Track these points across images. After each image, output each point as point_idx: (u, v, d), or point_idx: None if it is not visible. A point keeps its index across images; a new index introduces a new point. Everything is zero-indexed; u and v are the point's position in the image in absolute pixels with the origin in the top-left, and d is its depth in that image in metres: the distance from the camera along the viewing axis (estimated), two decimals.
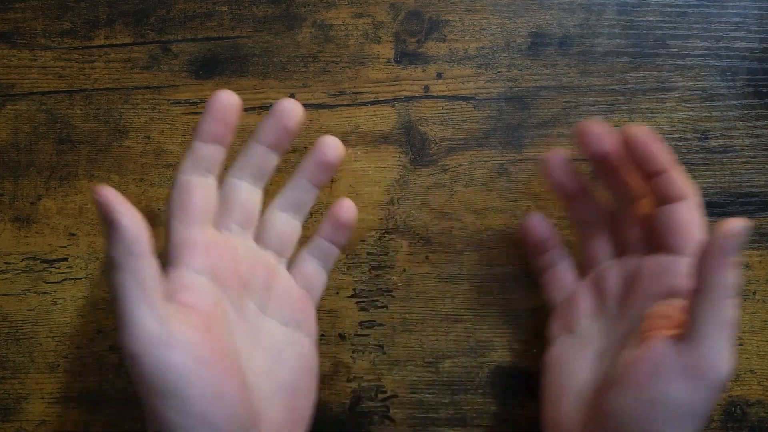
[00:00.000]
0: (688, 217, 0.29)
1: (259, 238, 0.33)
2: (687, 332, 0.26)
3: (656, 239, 0.30)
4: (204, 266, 0.29)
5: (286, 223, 0.33)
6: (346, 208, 0.34)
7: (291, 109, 0.31)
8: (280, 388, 0.30)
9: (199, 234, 0.29)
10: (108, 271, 0.26)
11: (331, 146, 0.33)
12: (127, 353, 0.25)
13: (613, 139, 0.31)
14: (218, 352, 0.26)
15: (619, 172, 0.32)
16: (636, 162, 0.30)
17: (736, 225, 0.26)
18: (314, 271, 0.34)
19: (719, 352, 0.26)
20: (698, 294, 0.26)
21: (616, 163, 0.31)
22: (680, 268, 0.29)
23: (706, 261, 0.26)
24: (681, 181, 0.29)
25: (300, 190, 0.33)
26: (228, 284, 0.29)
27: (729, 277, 0.26)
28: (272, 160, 0.32)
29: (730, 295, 0.26)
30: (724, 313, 0.26)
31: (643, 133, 0.30)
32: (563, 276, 0.34)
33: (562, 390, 0.31)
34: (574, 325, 0.32)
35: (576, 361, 0.31)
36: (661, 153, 0.29)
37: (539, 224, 0.34)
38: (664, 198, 0.30)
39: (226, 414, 0.26)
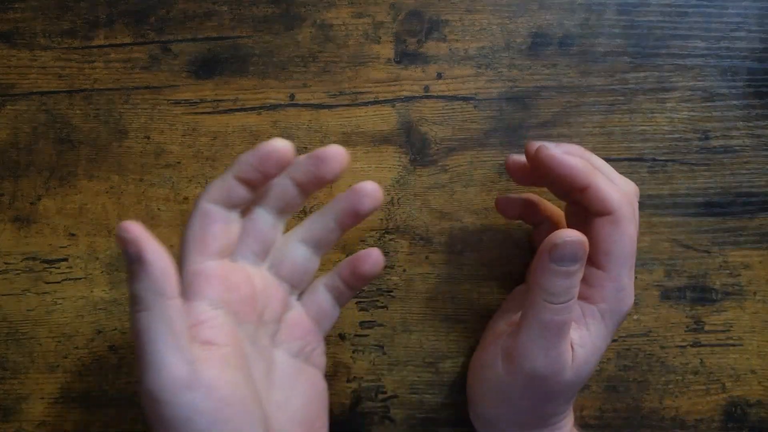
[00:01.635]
0: (607, 232, 0.29)
1: (275, 266, 0.31)
2: (518, 323, 0.30)
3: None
4: (221, 299, 0.27)
5: (305, 258, 0.31)
6: (373, 261, 0.31)
7: (334, 159, 0.28)
8: (294, 420, 0.30)
9: (217, 265, 0.28)
10: (132, 310, 0.24)
11: (370, 195, 0.30)
12: (151, 397, 0.24)
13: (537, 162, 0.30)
14: (240, 389, 0.26)
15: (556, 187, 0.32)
16: (555, 182, 0.30)
17: (562, 235, 0.27)
18: (327, 305, 0.32)
19: (531, 347, 0.28)
20: (528, 293, 0.29)
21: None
22: (596, 281, 0.29)
23: (534, 264, 0.28)
24: (601, 196, 0.29)
25: (325, 228, 0.30)
26: (243, 317, 0.28)
27: (549, 282, 0.27)
28: (301, 200, 0.30)
29: (549, 300, 0.28)
30: (541, 314, 0.28)
31: (549, 150, 0.29)
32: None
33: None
34: None
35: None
36: (576, 170, 0.29)
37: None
38: (590, 212, 0.30)
39: None
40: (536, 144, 0.30)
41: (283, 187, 0.29)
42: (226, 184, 0.28)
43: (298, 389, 0.30)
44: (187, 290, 0.27)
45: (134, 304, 0.24)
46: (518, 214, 0.34)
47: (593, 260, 0.29)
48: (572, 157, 0.29)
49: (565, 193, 0.31)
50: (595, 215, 0.29)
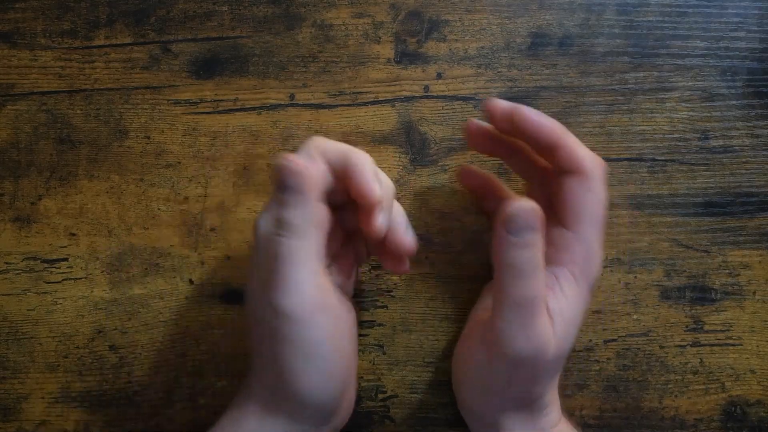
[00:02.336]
0: (577, 190, 0.29)
1: None
2: (492, 308, 0.28)
3: (555, 211, 0.30)
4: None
5: None
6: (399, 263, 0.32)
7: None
8: (353, 355, 0.31)
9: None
10: (275, 233, 0.27)
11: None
12: (285, 315, 0.26)
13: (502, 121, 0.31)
14: (344, 320, 0.29)
15: (522, 149, 0.32)
16: (527, 139, 0.30)
17: (514, 206, 0.26)
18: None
19: (509, 330, 0.27)
20: (495, 273, 0.28)
21: (514, 142, 0.32)
22: (564, 242, 0.29)
23: (494, 243, 0.27)
24: (574, 155, 0.29)
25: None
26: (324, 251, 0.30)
27: (510, 256, 0.27)
28: None
29: (515, 275, 0.27)
30: (511, 292, 0.27)
31: (525, 111, 0.29)
32: None
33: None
34: None
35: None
36: (548, 128, 0.29)
37: (472, 173, 0.34)
38: (561, 171, 0.29)
39: (340, 374, 0.29)
40: (505, 106, 0.30)
41: None
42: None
43: (349, 320, 0.31)
44: None
45: (282, 229, 0.27)
46: (479, 183, 0.34)
47: (563, 221, 0.29)
48: (546, 117, 0.29)
49: (534, 156, 0.32)
50: (566, 174, 0.29)
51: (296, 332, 0.27)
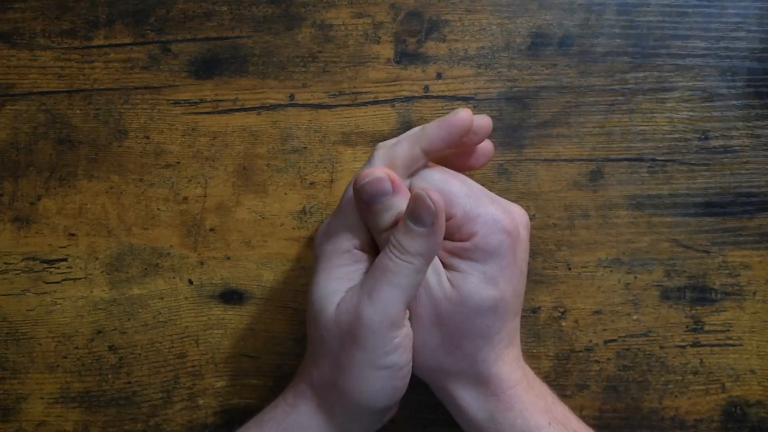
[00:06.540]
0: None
1: None
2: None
3: None
4: None
5: None
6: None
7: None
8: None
9: None
10: (401, 254, 0.28)
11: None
12: (365, 321, 0.28)
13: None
14: (410, 336, 0.30)
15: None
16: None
17: (361, 176, 0.28)
18: None
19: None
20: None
21: None
22: (460, 224, 0.30)
23: (360, 212, 0.30)
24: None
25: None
26: None
27: (377, 222, 0.29)
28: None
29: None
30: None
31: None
32: None
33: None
34: None
35: None
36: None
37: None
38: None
39: (403, 385, 0.30)
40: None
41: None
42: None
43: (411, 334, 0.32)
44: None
45: (408, 255, 0.28)
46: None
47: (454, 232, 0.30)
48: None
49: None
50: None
51: (372, 342, 0.28)
